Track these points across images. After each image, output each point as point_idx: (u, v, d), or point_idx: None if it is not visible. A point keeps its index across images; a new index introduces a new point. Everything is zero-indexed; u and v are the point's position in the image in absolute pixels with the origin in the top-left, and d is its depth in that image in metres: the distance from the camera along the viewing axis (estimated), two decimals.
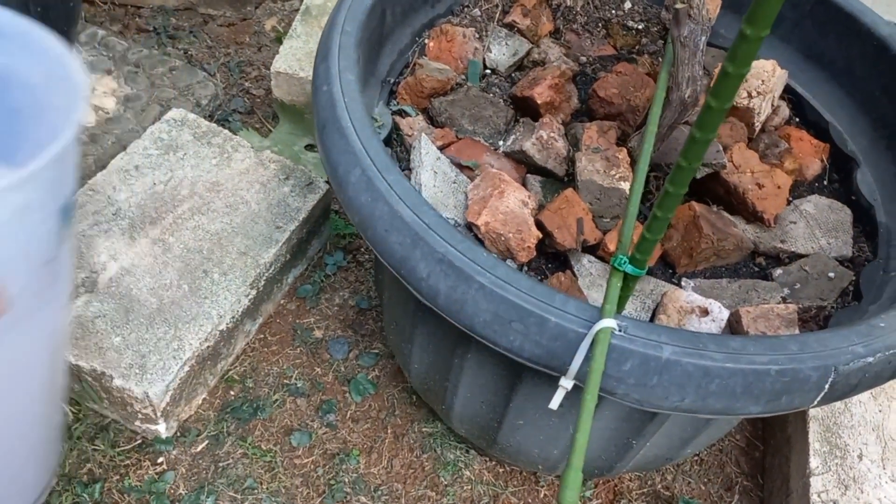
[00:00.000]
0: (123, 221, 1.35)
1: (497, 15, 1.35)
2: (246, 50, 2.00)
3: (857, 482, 1.21)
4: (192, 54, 1.94)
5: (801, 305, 1.03)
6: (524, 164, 1.15)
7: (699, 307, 0.99)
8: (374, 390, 1.40)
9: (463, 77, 1.27)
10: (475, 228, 1.01)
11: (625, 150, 1.13)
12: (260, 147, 1.52)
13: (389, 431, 1.36)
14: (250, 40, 2.03)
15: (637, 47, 1.38)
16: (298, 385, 1.39)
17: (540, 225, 1.03)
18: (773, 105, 1.23)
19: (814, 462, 1.23)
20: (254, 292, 1.33)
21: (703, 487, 1.37)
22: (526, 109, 1.22)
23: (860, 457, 1.24)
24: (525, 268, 1.04)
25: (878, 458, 1.25)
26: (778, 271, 1.09)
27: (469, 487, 1.31)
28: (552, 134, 1.13)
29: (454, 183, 1.08)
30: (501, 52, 1.30)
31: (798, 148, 1.21)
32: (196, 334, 1.23)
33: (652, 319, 1.01)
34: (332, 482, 1.28)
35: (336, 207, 1.62)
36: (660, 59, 1.33)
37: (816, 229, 1.13)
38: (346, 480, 1.28)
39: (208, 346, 1.25)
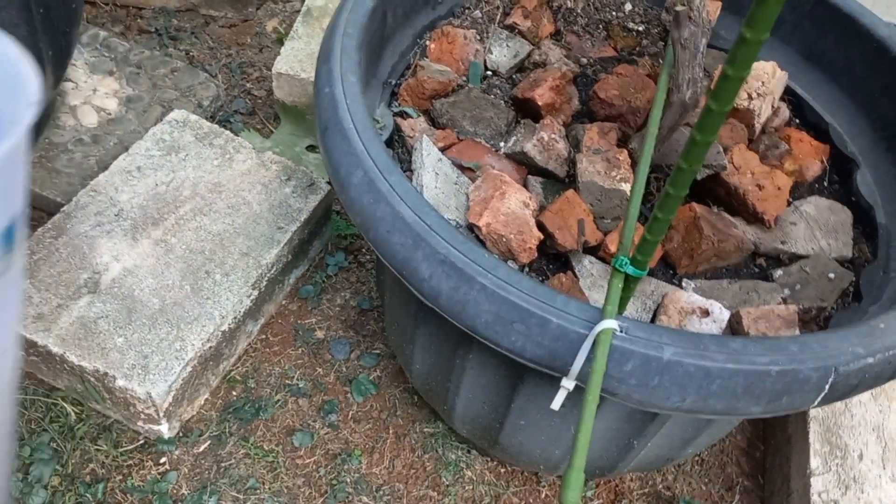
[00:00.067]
0: (126, 222, 1.35)
1: (498, 16, 1.36)
2: (247, 51, 2.00)
3: (858, 482, 1.22)
4: (193, 55, 1.95)
5: (801, 306, 1.03)
6: (525, 166, 1.16)
7: (700, 308, 0.99)
8: (376, 391, 1.41)
9: (464, 79, 1.27)
10: (476, 229, 1.02)
11: (625, 151, 1.13)
12: (261, 148, 1.53)
13: (391, 432, 1.36)
14: (251, 41, 2.03)
15: (637, 49, 1.38)
16: (300, 385, 1.39)
17: (541, 226, 1.04)
18: (773, 106, 1.23)
19: (814, 462, 1.23)
20: (255, 293, 1.34)
21: (704, 487, 1.37)
22: (527, 111, 1.22)
23: (861, 457, 1.25)
24: (526, 269, 1.04)
25: (878, 459, 1.25)
26: (778, 272, 1.09)
27: (471, 487, 1.31)
28: (553, 135, 1.14)
29: (455, 184, 1.09)
30: (502, 54, 1.30)
31: (798, 149, 1.22)
32: (198, 335, 1.23)
33: (653, 320, 1.02)
34: (334, 482, 1.28)
35: (337, 208, 1.63)
36: (660, 61, 1.33)
37: (816, 230, 1.13)
38: (348, 480, 1.29)
39: (210, 347, 1.26)
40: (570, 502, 0.65)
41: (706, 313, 0.99)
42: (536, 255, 1.03)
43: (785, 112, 1.27)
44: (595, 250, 1.07)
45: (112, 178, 1.41)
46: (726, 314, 1.00)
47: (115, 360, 1.18)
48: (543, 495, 1.33)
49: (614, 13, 1.41)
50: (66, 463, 1.23)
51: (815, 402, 0.82)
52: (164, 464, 1.26)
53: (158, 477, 1.24)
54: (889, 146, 1.20)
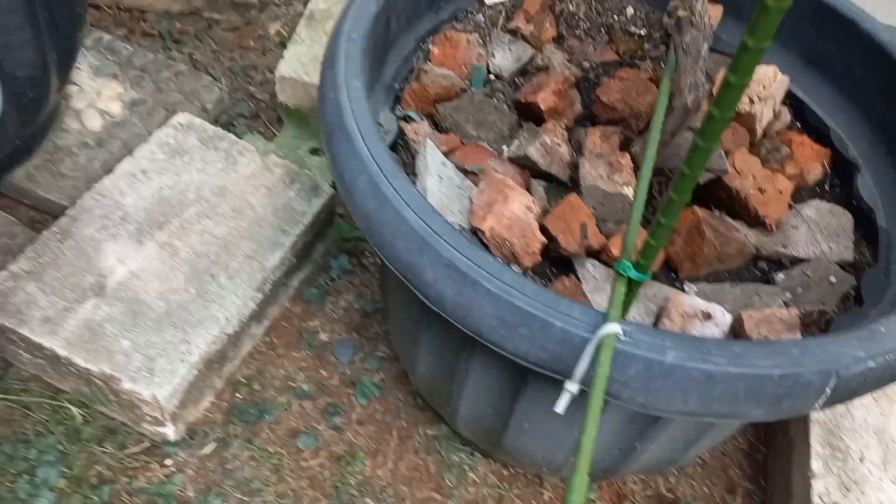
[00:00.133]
0: (131, 225, 1.36)
1: (501, 21, 1.37)
2: (250, 54, 2.01)
3: (859, 485, 1.22)
4: (196, 59, 1.96)
5: (803, 310, 1.03)
6: (528, 169, 1.16)
7: (702, 311, 1.00)
8: (380, 393, 1.41)
9: (467, 83, 1.28)
10: (480, 233, 1.03)
11: (628, 154, 1.14)
12: (265, 151, 1.53)
13: (395, 434, 1.37)
14: (254, 44, 2.04)
15: (639, 53, 1.39)
16: (304, 388, 1.40)
17: (544, 229, 1.04)
18: (774, 110, 1.24)
19: (815, 465, 1.24)
20: (260, 296, 1.35)
21: (706, 490, 1.38)
22: (530, 115, 1.23)
23: (862, 459, 1.25)
24: (529, 272, 1.05)
25: (879, 461, 1.26)
26: (780, 276, 1.10)
27: (474, 490, 1.32)
28: (556, 139, 1.14)
29: (459, 188, 1.10)
30: (505, 58, 1.31)
31: (799, 153, 1.22)
32: (203, 338, 1.24)
33: (656, 323, 1.02)
34: (339, 484, 1.29)
35: (340, 211, 1.63)
36: (662, 65, 1.34)
37: (818, 234, 1.14)
38: (353, 483, 1.29)
39: (215, 350, 1.27)
40: None
41: (708, 317, 0.99)
42: (540, 258, 1.04)
43: (786, 116, 1.28)
44: (598, 254, 1.08)
45: (117, 181, 1.42)
46: (729, 318, 1.00)
47: (121, 363, 1.19)
48: (546, 497, 1.33)
49: (616, 17, 1.42)
50: (73, 465, 1.23)
51: (817, 406, 0.83)
52: (169, 466, 1.27)
53: (164, 479, 1.25)
54: (889, 150, 1.21)
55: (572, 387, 0.83)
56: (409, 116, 1.20)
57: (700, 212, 1.10)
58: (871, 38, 1.23)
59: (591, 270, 1.06)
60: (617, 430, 1.00)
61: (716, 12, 1.31)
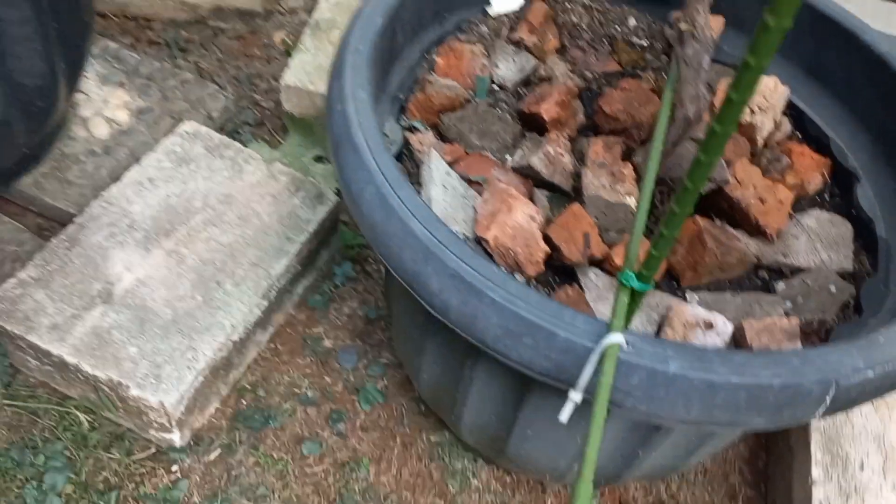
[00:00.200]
0: (138, 233, 1.37)
1: (504, 32, 1.38)
2: (255, 62, 2.03)
3: (859, 492, 1.23)
4: (202, 67, 1.97)
5: (803, 319, 1.05)
6: (531, 179, 1.18)
7: (704, 321, 1.01)
8: (383, 400, 1.43)
9: (471, 93, 1.29)
10: (484, 242, 1.04)
11: (630, 165, 1.15)
12: (270, 159, 1.55)
13: (398, 440, 1.38)
14: (260, 53, 2.06)
15: (641, 63, 1.40)
16: (309, 394, 1.41)
17: (547, 239, 1.06)
18: (775, 121, 1.25)
19: (816, 472, 1.25)
20: (265, 303, 1.36)
21: (708, 496, 1.39)
22: (533, 125, 1.24)
23: (862, 467, 1.26)
24: (533, 281, 1.06)
25: (879, 468, 1.27)
26: (780, 285, 1.11)
27: (477, 496, 1.33)
28: (559, 149, 1.16)
29: (463, 198, 1.11)
30: (509, 69, 1.33)
31: (799, 163, 1.24)
32: (210, 344, 1.26)
33: (658, 332, 1.03)
34: (343, 490, 1.30)
35: (345, 218, 1.65)
36: (664, 75, 1.36)
37: (818, 243, 1.15)
38: (357, 489, 1.31)
39: (221, 357, 1.28)
40: None
41: (710, 326, 1.00)
42: (543, 268, 1.05)
43: (786, 126, 1.29)
44: (600, 263, 1.09)
45: (124, 189, 1.44)
46: (730, 327, 1.01)
47: (128, 370, 1.20)
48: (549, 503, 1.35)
49: (618, 28, 1.43)
50: (80, 471, 1.25)
51: (817, 415, 0.84)
52: (175, 472, 1.28)
53: (170, 485, 1.26)
54: (889, 160, 1.22)
55: (576, 396, 0.84)
56: (414, 126, 1.21)
57: (702, 221, 1.11)
58: (870, 49, 1.24)
59: (593, 279, 1.07)
60: (619, 437, 1.02)
61: (717, 24, 1.33)
